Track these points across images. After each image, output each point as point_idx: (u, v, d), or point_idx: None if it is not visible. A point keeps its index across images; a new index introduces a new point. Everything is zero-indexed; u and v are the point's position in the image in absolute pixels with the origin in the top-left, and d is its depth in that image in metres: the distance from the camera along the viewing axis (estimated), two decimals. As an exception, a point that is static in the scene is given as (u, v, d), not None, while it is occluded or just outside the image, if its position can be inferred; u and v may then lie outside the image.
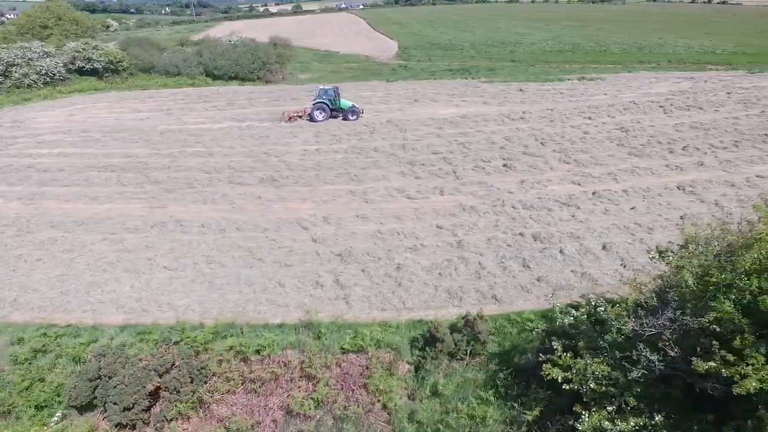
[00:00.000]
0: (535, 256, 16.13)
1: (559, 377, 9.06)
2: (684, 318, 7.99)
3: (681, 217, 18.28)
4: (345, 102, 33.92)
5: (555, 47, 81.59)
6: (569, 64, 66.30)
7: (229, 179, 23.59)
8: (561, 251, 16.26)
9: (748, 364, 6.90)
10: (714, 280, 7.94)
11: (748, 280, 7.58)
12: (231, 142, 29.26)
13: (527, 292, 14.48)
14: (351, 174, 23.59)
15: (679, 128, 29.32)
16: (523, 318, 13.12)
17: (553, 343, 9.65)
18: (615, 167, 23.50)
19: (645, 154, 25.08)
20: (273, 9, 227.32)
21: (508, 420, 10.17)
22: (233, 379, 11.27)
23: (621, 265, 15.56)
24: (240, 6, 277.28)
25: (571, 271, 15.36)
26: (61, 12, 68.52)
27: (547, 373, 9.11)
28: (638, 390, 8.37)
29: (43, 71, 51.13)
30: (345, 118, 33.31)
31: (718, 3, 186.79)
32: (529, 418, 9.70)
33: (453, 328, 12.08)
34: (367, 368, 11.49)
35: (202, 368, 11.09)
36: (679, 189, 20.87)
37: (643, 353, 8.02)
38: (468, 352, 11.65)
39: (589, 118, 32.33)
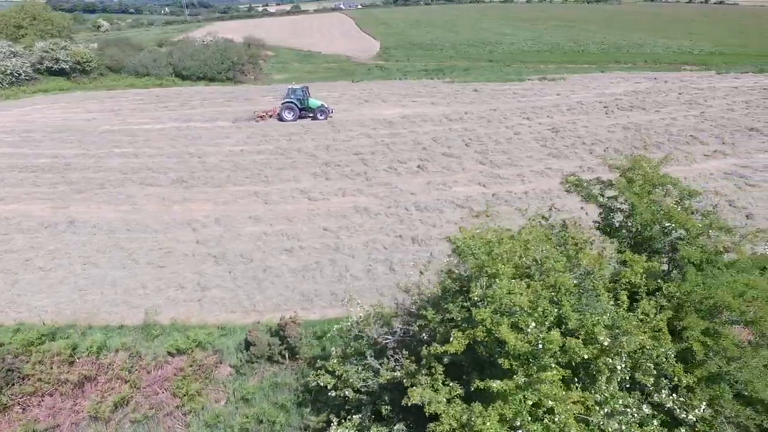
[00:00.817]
0: (404, 260, 16.05)
1: (329, 384, 8.99)
2: (407, 327, 7.91)
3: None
4: (314, 101, 33.87)
5: (534, 47, 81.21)
6: (545, 64, 66.04)
7: (142, 180, 23.62)
8: (431, 254, 16.16)
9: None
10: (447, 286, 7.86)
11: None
12: (162, 143, 29.31)
13: (381, 295, 14.39)
14: (263, 175, 23.57)
15: (612, 129, 29.10)
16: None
17: (332, 349, 9.58)
18: (528, 168, 23.35)
19: (564, 155, 24.91)
20: (272, 9, 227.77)
21: (296, 426, 10.11)
22: (47, 382, 11.27)
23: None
24: (240, 6, 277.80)
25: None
26: (35, 12, 68.89)
27: (314, 379, 9.05)
28: (386, 398, 8.29)
29: (8, 71, 51.34)
30: (314, 118, 33.29)
31: (714, 3, 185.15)
32: (312, 424, 9.64)
33: (274, 332, 12.03)
34: (181, 370, 11.47)
35: (9, 370, 11.11)
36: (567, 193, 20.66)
37: (369, 360, 7.94)
38: (285, 356, 11.59)
39: (528, 118, 32.15)
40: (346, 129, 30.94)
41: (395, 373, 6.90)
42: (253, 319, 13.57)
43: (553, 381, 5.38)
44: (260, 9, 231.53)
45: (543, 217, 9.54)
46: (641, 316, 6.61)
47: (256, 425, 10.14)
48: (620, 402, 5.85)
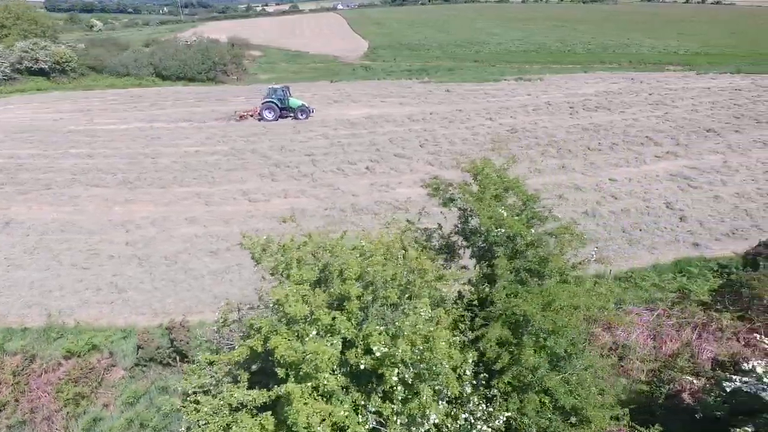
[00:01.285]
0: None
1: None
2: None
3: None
4: (294, 101, 33.78)
5: (521, 47, 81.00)
6: (530, 65, 65.99)
7: (90, 181, 23.58)
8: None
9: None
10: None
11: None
12: (121, 144, 29.28)
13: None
14: (210, 177, 23.51)
15: (571, 130, 28.94)
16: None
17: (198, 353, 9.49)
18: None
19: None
20: (270, 8, 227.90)
21: (175, 429, 10.04)
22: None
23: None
24: (239, 6, 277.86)
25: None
26: (19, 11, 68.94)
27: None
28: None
29: (-14, 71, 51.43)
30: (295, 117, 33.24)
31: (711, 3, 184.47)
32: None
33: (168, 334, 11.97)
34: (68, 374, 11.40)
35: None
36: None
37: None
38: (176, 359, 11.53)
39: (491, 119, 32.02)
40: (307, 129, 30.87)
41: (203, 380, 6.83)
42: (160, 322, 13.50)
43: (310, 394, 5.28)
44: (258, 9, 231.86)
45: (409, 222, 9.43)
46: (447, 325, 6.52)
47: (138, 429, 10.07)
48: (414, 411, 5.74)
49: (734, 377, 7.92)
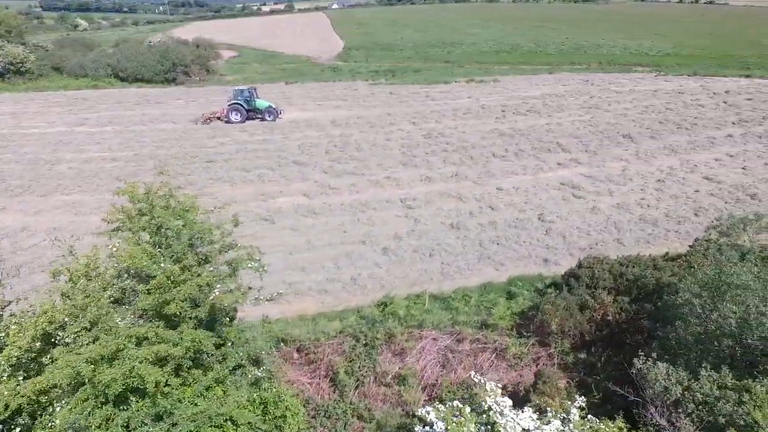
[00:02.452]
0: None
1: None
2: None
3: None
4: (261, 102, 33.14)
5: (494, 48, 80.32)
6: (500, 65, 65.40)
7: (-29, 188, 23.05)
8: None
9: None
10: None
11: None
12: (30, 148, 28.78)
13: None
14: (96, 184, 22.96)
15: (487, 135, 28.21)
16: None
17: None
18: (367, 178, 22.54)
19: (413, 164, 24.08)
20: (267, 8, 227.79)
21: None
22: None
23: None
24: (236, 5, 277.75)
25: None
26: (-17, 12, 68.69)
27: None
28: None
29: (-65, 72, 51.11)
30: (263, 119, 32.67)
31: (704, 2, 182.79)
32: None
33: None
34: None
35: None
36: (387, 205, 19.87)
37: None
38: None
39: (414, 123, 31.35)
40: (224, 134, 30.28)
41: None
42: None
43: None
44: (255, 8, 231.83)
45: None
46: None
47: None
48: None
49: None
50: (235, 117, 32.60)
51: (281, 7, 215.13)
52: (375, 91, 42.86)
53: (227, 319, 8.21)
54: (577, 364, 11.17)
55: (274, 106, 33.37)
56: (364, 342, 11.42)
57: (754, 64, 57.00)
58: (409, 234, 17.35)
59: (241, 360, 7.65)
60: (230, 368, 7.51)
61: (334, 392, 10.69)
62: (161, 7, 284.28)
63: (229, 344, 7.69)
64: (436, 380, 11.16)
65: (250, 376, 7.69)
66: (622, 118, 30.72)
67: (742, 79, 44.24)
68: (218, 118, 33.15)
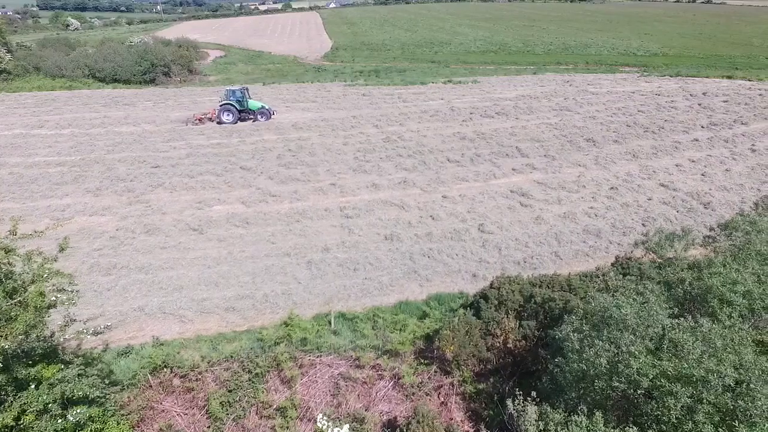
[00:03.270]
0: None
1: None
2: None
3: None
4: (254, 103, 32.28)
5: (481, 48, 79.50)
6: (486, 65, 64.76)
7: None
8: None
9: None
10: None
11: None
12: (-23, 152, 27.96)
13: None
14: (32, 190, 22.09)
15: (448, 139, 27.31)
16: None
17: None
18: (312, 185, 21.67)
19: (364, 170, 23.20)
20: (263, 7, 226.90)
21: None
22: None
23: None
24: (234, 5, 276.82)
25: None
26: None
27: None
28: None
29: None
30: (255, 119, 31.84)
31: (702, 2, 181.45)
32: None
33: None
34: None
35: None
36: (324, 214, 19.00)
37: None
38: None
39: (376, 126, 30.45)
40: (180, 137, 29.42)
41: None
42: None
43: None
44: (252, 8, 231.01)
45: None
46: None
47: None
48: None
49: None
50: (226, 118, 31.69)
51: (278, 6, 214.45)
52: (348, 93, 41.99)
53: (36, 358, 7.33)
54: (479, 394, 10.29)
55: (267, 107, 32.49)
56: (249, 369, 10.56)
57: (742, 65, 56.11)
58: (339, 246, 16.48)
59: (50, 402, 6.79)
60: (35, 412, 6.66)
61: (209, 426, 9.84)
62: (158, 7, 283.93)
63: (33, 386, 6.83)
64: (324, 410, 10.28)
65: (60, 421, 6.84)
66: (590, 121, 29.80)
67: (723, 80, 43.28)
68: (209, 119, 32.21)
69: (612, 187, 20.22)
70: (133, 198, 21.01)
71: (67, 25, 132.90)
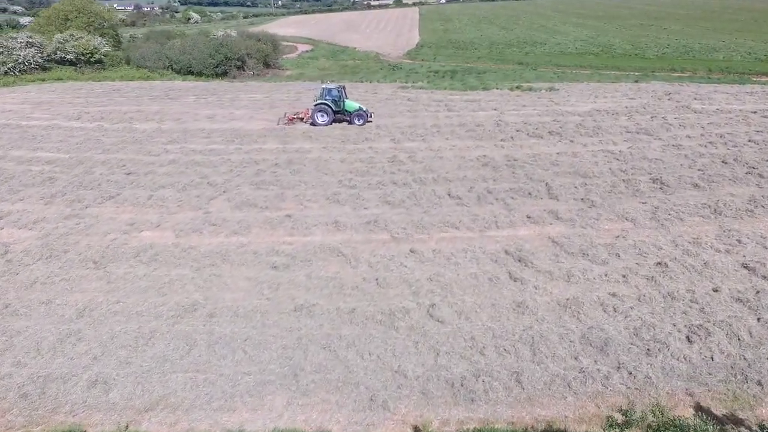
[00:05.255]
0: None
1: None
2: None
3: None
4: (351, 104, 29.55)
5: (581, 49, 70.41)
6: (581, 69, 57.07)
7: None
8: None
9: None
10: None
11: None
12: (-4, 142, 28.09)
13: None
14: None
15: (468, 163, 21.74)
16: None
17: None
18: (266, 213, 17.69)
19: (337, 200, 18.63)
20: (374, 3, 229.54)
21: None
22: None
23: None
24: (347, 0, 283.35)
25: None
26: (82, 5, 74.12)
27: None
28: None
29: (20, 60, 55.23)
30: (351, 122, 29.19)
31: None
32: None
33: None
34: None
35: None
36: (250, 259, 14.79)
37: None
38: None
39: (394, 140, 25.66)
40: (183, 140, 27.19)
41: None
42: None
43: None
44: (365, 3, 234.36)
45: None
46: None
47: None
48: None
49: None
50: (321, 119, 28.89)
51: (390, 1, 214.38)
52: (395, 96, 37.54)
53: None
54: None
55: (364, 109, 29.18)
56: None
57: None
58: (226, 312, 12.30)
59: None
60: None
61: None
62: (279, 2, 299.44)
63: None
64: None
65: None
66: (671, 152, 22.25)
67: None
68: (301, 119, 29.80)
69: (660, 262, 13.57)
70: (75, 211, 18.69)
71: (188, 19, 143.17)
